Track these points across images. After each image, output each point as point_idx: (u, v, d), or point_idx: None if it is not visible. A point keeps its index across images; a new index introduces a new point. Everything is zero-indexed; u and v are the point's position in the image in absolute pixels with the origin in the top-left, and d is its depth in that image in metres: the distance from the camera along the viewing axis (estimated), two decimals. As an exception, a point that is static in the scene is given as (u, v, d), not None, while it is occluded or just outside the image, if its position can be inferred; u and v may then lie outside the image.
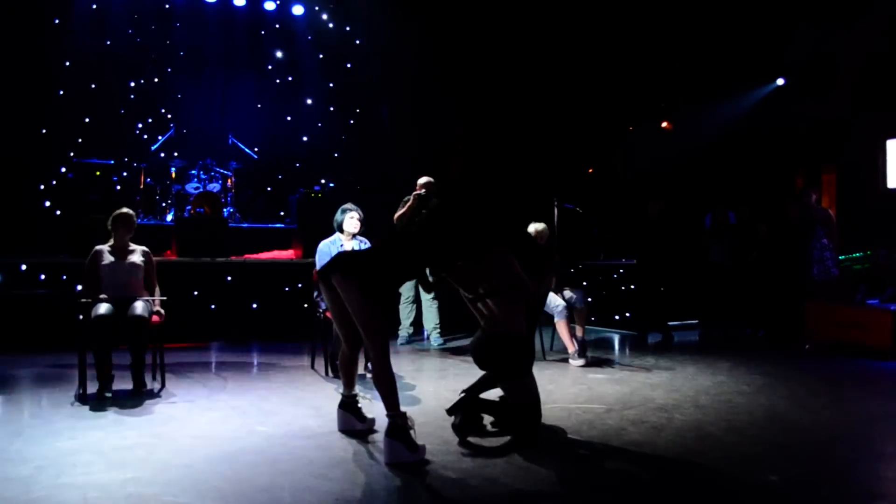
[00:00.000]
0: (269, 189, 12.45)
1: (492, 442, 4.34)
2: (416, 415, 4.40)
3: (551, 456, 4.13)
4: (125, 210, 5.88)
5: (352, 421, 4.50)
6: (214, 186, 11.21)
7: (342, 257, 4.25)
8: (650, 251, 9.02)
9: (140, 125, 11.73)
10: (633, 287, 9.74)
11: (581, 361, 6.91)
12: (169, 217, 10.84)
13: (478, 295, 4.48)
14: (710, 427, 4.72)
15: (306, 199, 10.25)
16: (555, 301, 6.96)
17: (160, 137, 11.50)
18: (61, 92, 10.94)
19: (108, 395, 5.29)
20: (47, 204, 10.36)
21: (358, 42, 12.98)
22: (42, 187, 10.50)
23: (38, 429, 4.53)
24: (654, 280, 9.03)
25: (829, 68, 10.50)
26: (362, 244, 6.38)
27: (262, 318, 8.60)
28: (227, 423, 4.72)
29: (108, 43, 11.47)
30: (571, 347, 6.98)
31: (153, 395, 5.48)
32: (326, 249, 6.46)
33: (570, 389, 5.82)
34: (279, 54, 12.78)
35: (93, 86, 11.26)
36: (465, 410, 4.45)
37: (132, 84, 11.75)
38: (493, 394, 4.68)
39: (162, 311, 5.73)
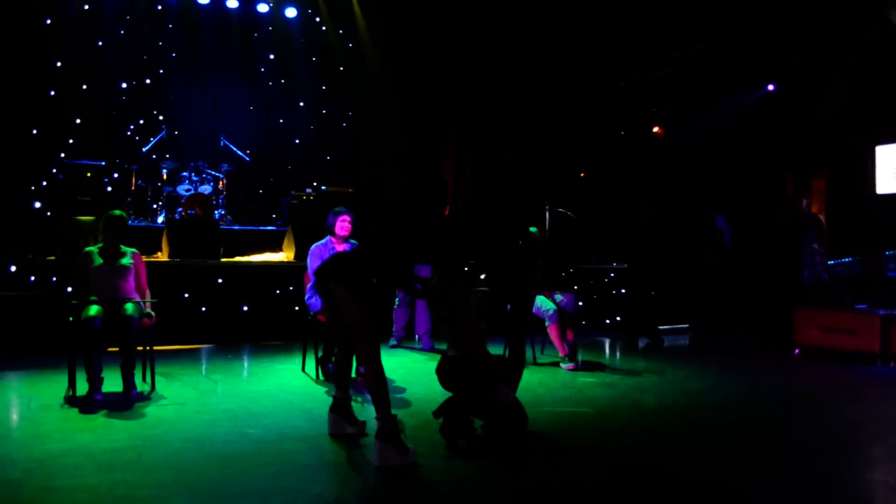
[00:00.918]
0: (260, 191, 12.43)
1: (481, 445, 4.35)
2: (406, 418, 4.40)
3: (540, 459, 4.14)
4: (117, 212, 5.83)
5: (342, 424, 4.50)
6: (206, 188, 11.17)
7: (337, 260, 4.27)
8: (641, 255, 9.06)
9: (132, 126, 11.68)
10: (623, 291, 9.77)
11: (571, 365, 6.92)
12: (160, 219, 10.80)
13: (440, 316, 4.62)
14: (699, 432, 4.74)
15: (298, 201, 10.24)
16: (545, 305, 6.98)
17: (152, 139, 11.46)
18: (52, 92, 10.89)
19: (98, 397, 5.27)
20: (37, 205, 10.31)
21: (351, 45, 12.98)
22: (32, 188, 10.44)
23: (28, 431, 4.52)
24: (645, 284, 9.07)
25: (819, 74, 10.56)
26: (354, 248, 6.39)
27: (253, 320, 8.57)
28: (217, 426, 4.71)
29: (100, 44, 11.42)
30: (562, 351, 6.99)
31: (143, 397, 5.46)
32: (318, 252, 6.48)
33: (560, 393, 5.83)
34: (272, 56, 12.76)
35: (84, 86, 11.21)
36: (452, 413, 4.48)
37: (124, 85, 11.70)
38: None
39: (153, 314, 5.71)
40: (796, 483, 3.79)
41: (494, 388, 4.52)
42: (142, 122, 11.74)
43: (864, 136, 10.49)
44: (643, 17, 11.21)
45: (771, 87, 11.54)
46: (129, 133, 11.64)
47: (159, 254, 9.20)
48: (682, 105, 11.86)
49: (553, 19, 11.63)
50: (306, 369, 6.60)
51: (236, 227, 10.87)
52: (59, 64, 10.97)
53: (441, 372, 4.56)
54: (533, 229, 7.12)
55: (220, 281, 8.56)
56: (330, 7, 12.84)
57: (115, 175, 11.19)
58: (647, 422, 4.94)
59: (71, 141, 10.95)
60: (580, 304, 7.73)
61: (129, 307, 5.46)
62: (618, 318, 9.69)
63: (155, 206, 11.07)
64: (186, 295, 8.32)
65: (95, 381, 5.31)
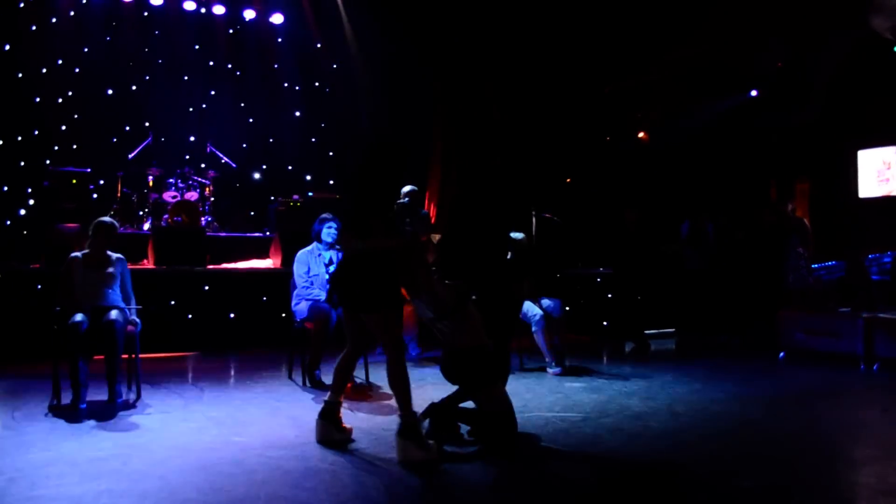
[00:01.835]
0: (247, 198, 12.40)
1: (468, 450, 4.36)
2: (391, 423, 4.41)
3: (527, 464, 4.16)
4: (108, 220, 5.78)
5: (330, 430, 4.48)
6: (192, 195, 11.14)
7: (352, 293, 4.31)
8: (627, 260, 9.11)
9: (118, 133, 11.64)
10: (609, 295, 9.81)
11: (558, 370, 6.94)
12: (146, 226, 10.75)
13: (429, 319, 4.65)
14: (686, 435, 4.77)
15: (285, 208, 10.22)
16: (532, 310, 6.99)
17: (138, 146, 11.41)
18: (38, 99, 10.84)
19: (83, 406, 5.24)
20: (22, 212, 10.25)
21: (337, 51, 12.98)
22: (17, 195, 10.38)
23: (11, 440, 4.49)
24: (631, 288, 9.11)
25: (802, 80, 10.67)
26: (340, 255, 6.38)
27: (240, 327, 8.54)
28: (203, 434, 4.70)
29: (86, 50, 11.40)
30: (548, 356, 7.01)
31: (128, 405, 5.43)
32: (305, 259, 6.47)
33: (547, 398, 5.85)
34: (258, 62, 12.75)
35: (70, 93, 11.17)
36: (434, 417, 4.51)
37: (110, 92, 11.67)
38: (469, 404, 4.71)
39: (137, 321, 5.69)
40: (781, 484, 3.81)
41: (494, 387, 4.53)
42: (128, 128, 11.70)
43: (846, 140, 10.61)
44: (628, 22, 11.29)
45: (754, 93, 11.65)
46: (114, 140, 11.59)
47: (145, 261, 9.16)
48: (667, 110, 11.94)
49: (538, 25, 11.68)
50: (293, 376, 6.59)
51: (223, 234, 10.84)
52: (44, 70, 10.93)
53: (448, 365, 4.59)
54: (519, 235, 7.14)
55: (206, 288, 8.52)
56: (317, 13, 12.85)
57: (101, 182, 11.14)
58: (633, 426, 4.96)
59: (56, 148, 10.90)
60: (567, 308, 7.75)
61: (114, 314, 5.43)
62: (604, 323, 9.72)
63: (141, 212, 11.03)
64: (173, 302, 8.28)
65: (80, 390, 5.27)
